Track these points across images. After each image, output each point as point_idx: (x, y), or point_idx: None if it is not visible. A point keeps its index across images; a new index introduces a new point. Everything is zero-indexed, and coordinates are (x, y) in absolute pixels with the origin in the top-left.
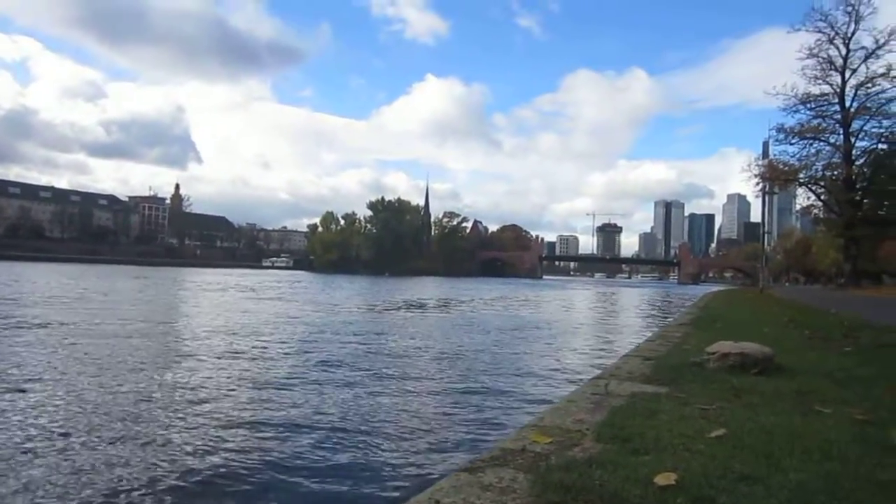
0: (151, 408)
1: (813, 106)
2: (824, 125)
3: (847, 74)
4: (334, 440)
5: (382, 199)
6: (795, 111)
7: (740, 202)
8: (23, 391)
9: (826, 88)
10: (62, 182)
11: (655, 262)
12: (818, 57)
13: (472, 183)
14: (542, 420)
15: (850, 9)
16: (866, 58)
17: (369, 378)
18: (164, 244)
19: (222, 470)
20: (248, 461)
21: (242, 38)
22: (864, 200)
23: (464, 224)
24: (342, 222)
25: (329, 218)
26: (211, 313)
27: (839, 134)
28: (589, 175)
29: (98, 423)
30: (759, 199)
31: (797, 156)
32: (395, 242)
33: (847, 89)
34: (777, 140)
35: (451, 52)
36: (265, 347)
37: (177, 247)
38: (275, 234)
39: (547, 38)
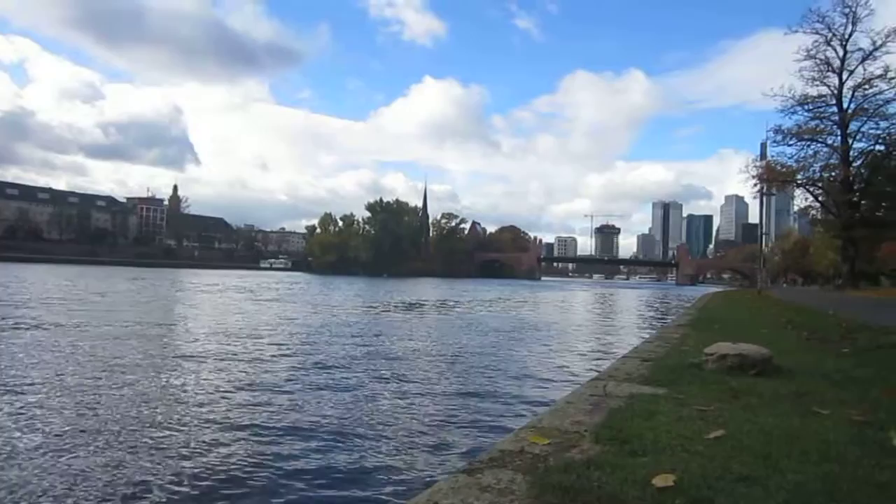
0: (148, 410)
1: (810, 107)
2: (822, 126)
3: (844, 76)
4: (333, 443)
5: (381, 200)
6: (793, 112)
7: (738, 203)
8: (20, 393)
9: (823, 90)
10: (60, 183)
11: (653, 263)
12: (816, 58)
13: (471, 184)
14: (540, 421)
15: (847, 10)
16: (864, 59)
17: (368, 380)
18: (162, 245)
19: (220, 473)
20: (247, 465)
21: (240, 39)
22: (862, 202)
23: (462, 225)
24: (340, 224)
25: (327, 219)
26: (209, 315)
27: (837, 135)
28: (587, 176)
29: (94, 426)
30: (757, 201)
31: (795, 157)
32: (393, 244)
33: (844, 91)
34: (775, 141)
35: (448, 53)
36: (263, 349)
37: (175, 248)
38: (273, 235)
39: (545, 40)
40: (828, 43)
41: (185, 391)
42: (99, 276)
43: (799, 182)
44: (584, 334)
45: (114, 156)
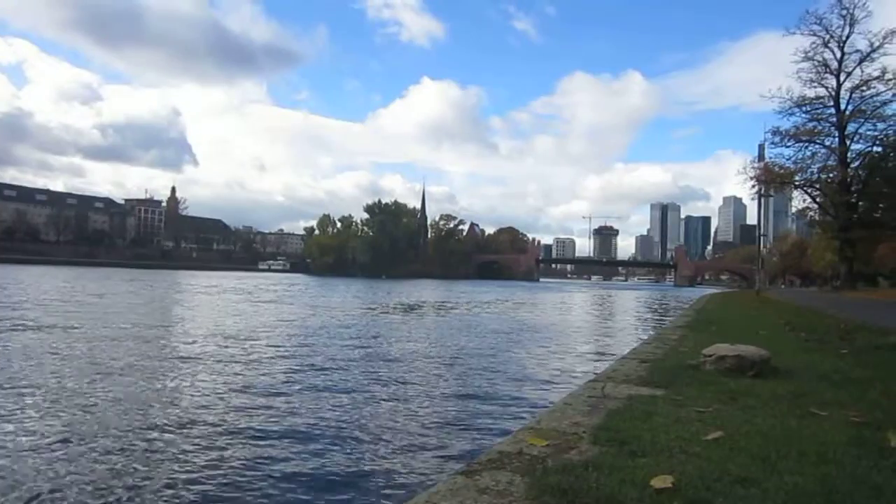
0: (144, 413)
1: (808, 109)
2: (819, 128)
3: (842, 77)
4: (331, 445)
5: (379, 201)
6: (791, 114)
7: (736, 205)
8: (15, 395)
9: (821, 91)
10: (57, 185)
11: (652, 264)
12: (813, 60)
13: (469, 186)
14: (538, 423)
15: (844, 12)
16: (861, 61)
17: (366, 382)
18: (159, 247)
19: (217, 477)
20: (244, 468)
21: (238, 40)
22: (860, 203)
23: (460, 227)
24: (339, 225)
25: (326, 221)
26: (207, 317)
27: (834, 137)
28: (585, 178)
29: (88, 430)
30: (755, 202)
31: (793, 158)
32: (391, 245)
33: (842, 92)
34: (772, 143)
35: (446, 54)
36: (261, 351)
37: (173, 250)
38: (271, 236)
39: (543, 41)
40: (825, 45)
41: (181, 394)
42: (96, 278)
43: (797, 183)
44: (583, 336)
45: (112, 157)
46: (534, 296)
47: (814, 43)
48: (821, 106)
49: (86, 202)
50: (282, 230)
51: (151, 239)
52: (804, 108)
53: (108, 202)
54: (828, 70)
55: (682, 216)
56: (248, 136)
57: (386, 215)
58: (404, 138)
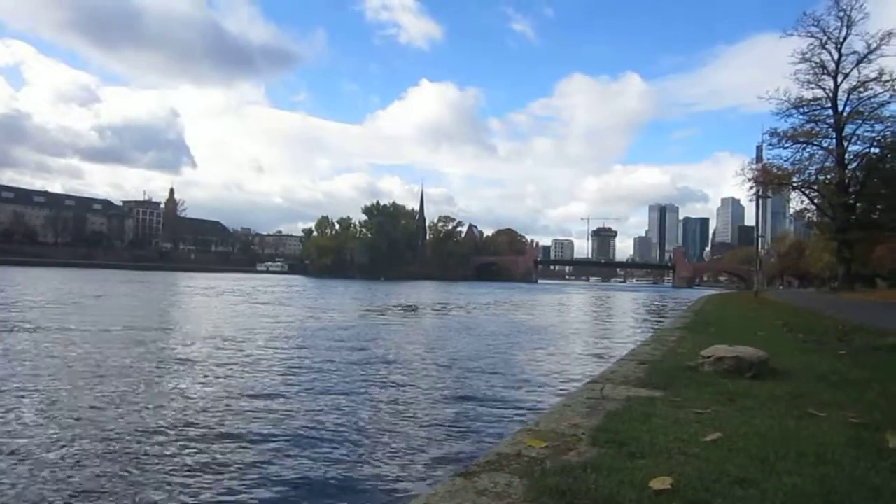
0: (139, 417)
1: (806, 110)
2: (817, 129)
3: (839, 79)
4: (328, 447)
5: (377, 203)
6: (788, 115)
7: (734, 206)
8: (10, 398)
9: (819, 93)
10: (55, 186)
11: (650, 266)
12: (811, 61)
13: (467, 187)
14: (537, 424)
15: (841, 14)
16: (858, 62)
17: (364, 384)
18: (158, 249)
19: (212, 482)
20: (241, 472)
21: (237, 42)
22: (858, 204)
23: (459, 228)
24: (337, 227)
25: (324, 222)
26: (204, 319)
27: (832, 138)
28: (583, 179)
29: (83, 434)
30: (753, 203)
31: (790, 160)
32: (390, 247)
33: (840, 93)
34: (770, 144)
35: (445, 56)
36: (258, 353)
37: (171, 251)
38: (269, 238)
39: (541, 43)
40: (822, 46)
41: (177, 396)
42: (94, 280)
43: (795, 185)
44: (581, 337)
45: (110, 159)
46: (532, 297)
47: (811, 44)
48: (818, 107)
49: (84, 204)
50: (280, 232)
51: (149, 240)
52: (802, 110)
53: (106, 204)
54: (825, 71)
55: (681, 217)
56: (246, 138)
57: (384, 217)
58: (402, 140)
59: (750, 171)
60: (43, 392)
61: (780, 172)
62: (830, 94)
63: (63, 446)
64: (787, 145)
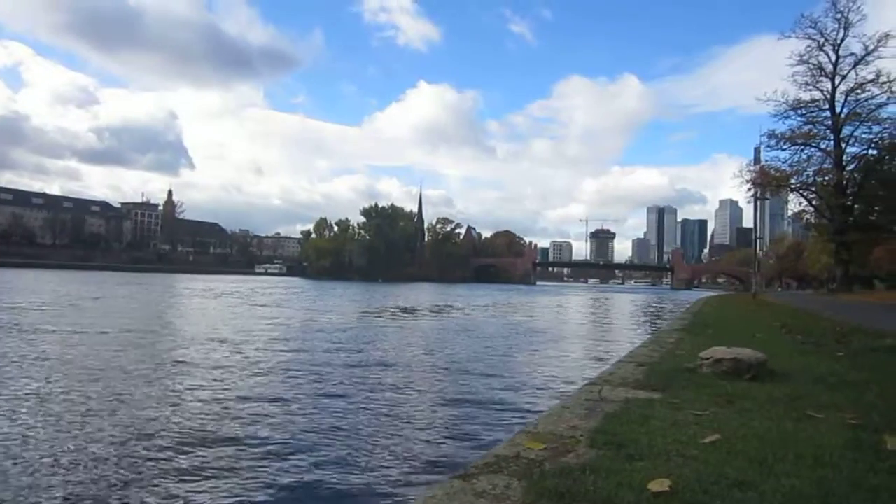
0: (134, 421)
1: (804, 112)
2: (815, 131)
3: (837, 80)
4: (327, 450)
5: (376, 205)
6: (786, 117)
7: (732, 208)
8: (6, 400)
9: (816, 94)
10: (54, 188)
11: (648, 267)
12: (808, 63)
13: (465, 189)
14: (535, 426)
15: (839, 16)
16: (856, 64)
17: (363, 386)
18: (156, 251)
19: (208, 486)
20: (237, 476)
21: (235, 44)
22: (855, 205)
23: (457, 230)
24: (336, 229)
25: (322, 224)
26: (202, 321)
27: (830, 139)
28: (582, 181)
29: (80, 437)
30: (752, 205)
31: (788, 161)
32: (388, 249)
33: (837, 95)
34: (768, 146)
35: (443, 58)
36: (256, 356)
37: (169, 253)
38: (268, 240)
39: (539, 45)
40: (820, 48)
41: (174, 399)
42: (92, 282)
43: (793, 186)
44: (579, 339)
45: (108, 160)
46: (530, 299)
47: (809, 46)
48: (816, 109)
49: (82, 206)
50: (278, 234)
51: (148, 242)
52: (799, 112)
53: (104, 206)
54: (823, 73)
55: (679, 219)
56: (244, 140)
57: (383, 219)
58: (401, 142)
59: (748, 173)
60: (40, 395)
61: (778, 174)
62: (828, 96)
63: (59, 449)
64: (785, 147)
